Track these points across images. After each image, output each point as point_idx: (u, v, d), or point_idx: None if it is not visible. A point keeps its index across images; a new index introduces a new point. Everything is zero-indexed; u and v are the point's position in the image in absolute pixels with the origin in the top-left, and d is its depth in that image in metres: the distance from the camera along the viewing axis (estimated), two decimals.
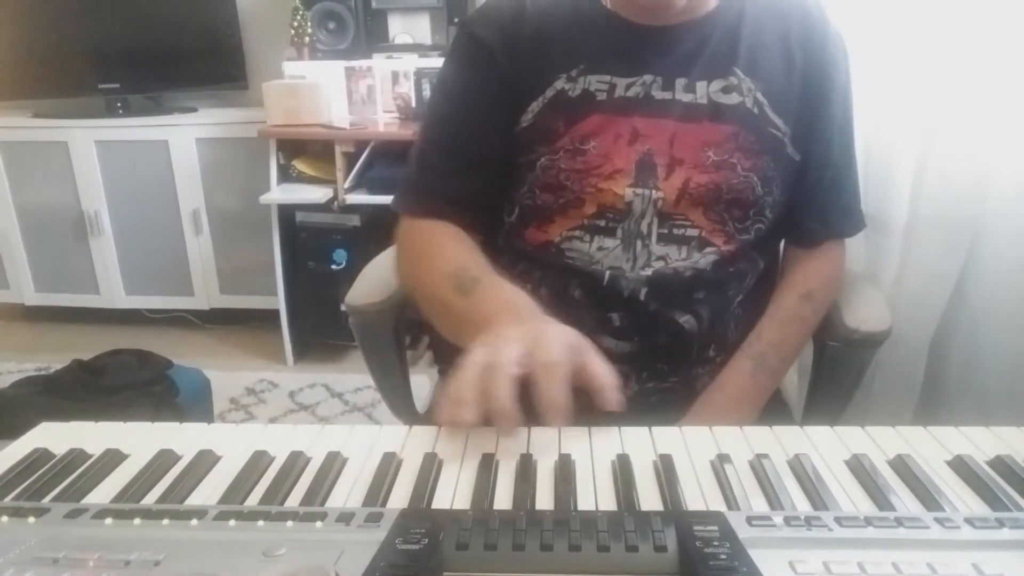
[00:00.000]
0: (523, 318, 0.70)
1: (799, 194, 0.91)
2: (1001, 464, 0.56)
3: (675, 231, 0.85)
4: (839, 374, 0.98)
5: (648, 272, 0.84)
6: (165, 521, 0.48)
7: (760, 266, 0.91)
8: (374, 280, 1.04)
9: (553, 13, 0.87)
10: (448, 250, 0.85)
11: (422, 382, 1.15)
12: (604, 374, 0.62)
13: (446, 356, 1.01)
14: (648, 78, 0.84)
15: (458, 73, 0.91)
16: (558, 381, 0.58)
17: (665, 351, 0.88)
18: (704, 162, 0.84)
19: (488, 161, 0.89)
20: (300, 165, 2.47)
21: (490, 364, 0.59)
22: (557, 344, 0.61)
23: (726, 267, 0.87)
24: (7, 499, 0.53)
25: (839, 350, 0.95)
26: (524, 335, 0.63)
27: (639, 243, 0.84)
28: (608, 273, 0.85)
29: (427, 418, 1.06)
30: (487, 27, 0.88)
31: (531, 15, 0.87)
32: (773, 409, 0.94)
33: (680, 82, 0.84)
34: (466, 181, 0.90)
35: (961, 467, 0.56)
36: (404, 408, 1.11)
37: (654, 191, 0.83)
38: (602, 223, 0.84)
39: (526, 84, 0.86)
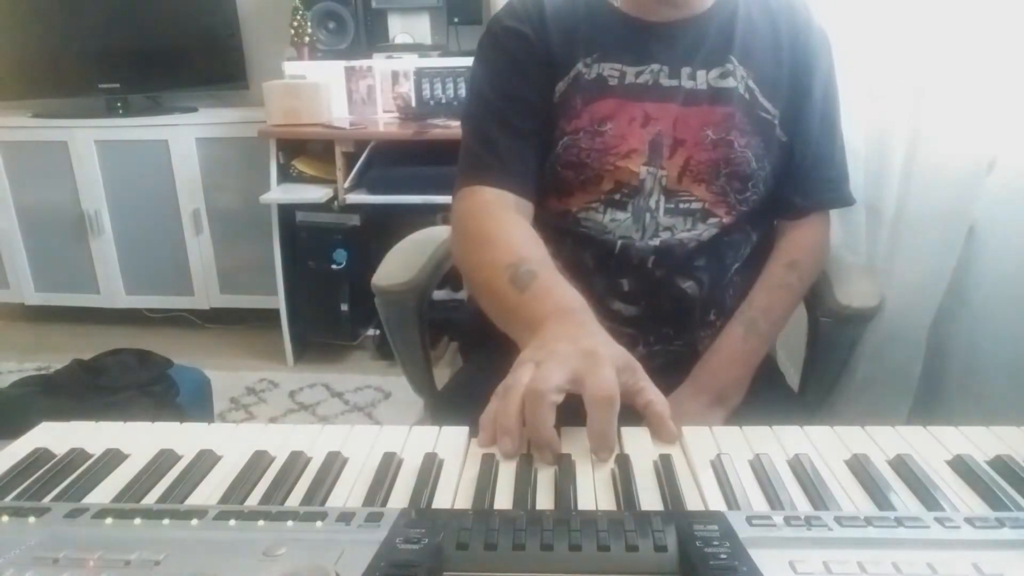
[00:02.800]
0: (573, 323, 0.70)
1: (785, 173, 0.99)
2: (1001, 464, 0.56)
3: (680, 205, 0.93)
4: (833, 347, 1.07)
5: (656, 242, 0.92)
6: (165, 521, 0.48)
7: (753, 238, 0.99)
8: (399, 262, 1.10)
9: (569, 10, 0.97)
10: (510, 239, 0.86)
11: (440, 372, 1.19)
12: (659, 403, 0.63)
13: (473, 347, 1.03)
14: (656, 67, 0.93)
15: (498, 60, 0.98)
16: (612, 418, 0.58)
17: (670, 314, 0.95)
18: (703, 141, 0.92)
19: (539, 133, 0.95)
20: (300, 165, 2.47)
21: (535, 391, 0.59)
22: (609, 372, 0.60)
23: (723, 238, 0.95)
24: (7, 499, 0.53)
25: (832, 325, 1.04)
26: (574, 356, 0.62)
27: (648, 215, 0.92)
28: (620, 243, 0.93)
29: (445, 394, 1.09)
30: (517, 19, 0.97)
31: (551, 11, 0.97)
32: (771, 380, 1.02)
33: (685, 70, 0.93)
34: (525, 152, 0.95)
35: (961, 467, 0.56)
36: (425, 385, 1.17)
37: (659, 170, 0.92)
38: (617, 197, 0.93)
39: (555, 65, 0.95)
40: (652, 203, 0.92)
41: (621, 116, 0.92)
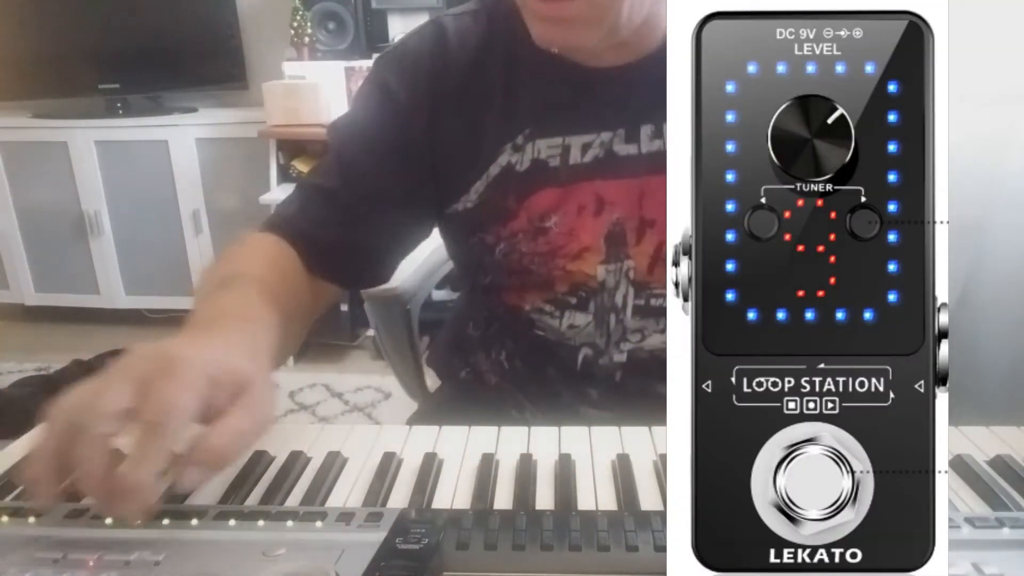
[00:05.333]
0: (203, 331, 0.54)
1: None
2: (1001, 464, 0.56)
3: (652, 302, 0.74)
4: None
5: (622, 357, 0.76)
6: (165, 521, 0.48)
7: None
8: None
9: (483, 63, 0.73)
10: (242, 258, 0.71)
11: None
12: (212, 437, 0.44)
13: (443, 359, 1.02)
14: (607, 135, 0.72)
15: (360, 120, 0.78)
16: (148, 450, 0.41)
17: (648, 413, 0.83)
18: None
19: (373, 223, 0.77)
20: (300, 165, 2.47)
21: (79, 424, 0.42)
22: (173, 387, 0.43)
23: None
24: (7, 499, 0.53)
25: None
26: (147, 364, 0.45)
27: (613, 318, 0.75)
28: (581, 356, 0.77)
29: (438, 396, 1.07)
30: (401, 79, 0.75)
31: (455, 65, 0.73)
32: None
33: (646, 129, 0.71)
34: (337, 232, 0.76)
35: (961, 467, 0.56)
36: (417, 388, 1.15)
37: (625, 260, 0.73)
38: (573, 301, 0.76)
39: (459, 157, 0.74)
40: (619, 300, 0.74)
41: (567, 206, 0.72)
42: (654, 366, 0.76)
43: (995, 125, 1.08)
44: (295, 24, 2.45)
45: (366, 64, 2.46)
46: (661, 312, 0.75)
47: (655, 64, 0.69)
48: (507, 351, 0.82)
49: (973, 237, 1.15)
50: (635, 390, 0.77)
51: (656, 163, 0.72)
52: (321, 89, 2.39)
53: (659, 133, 0.71)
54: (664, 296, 0.74)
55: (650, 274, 0.74)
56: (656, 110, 0.71)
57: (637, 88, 0.70)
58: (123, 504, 0.42)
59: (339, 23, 2.52)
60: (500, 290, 0.80)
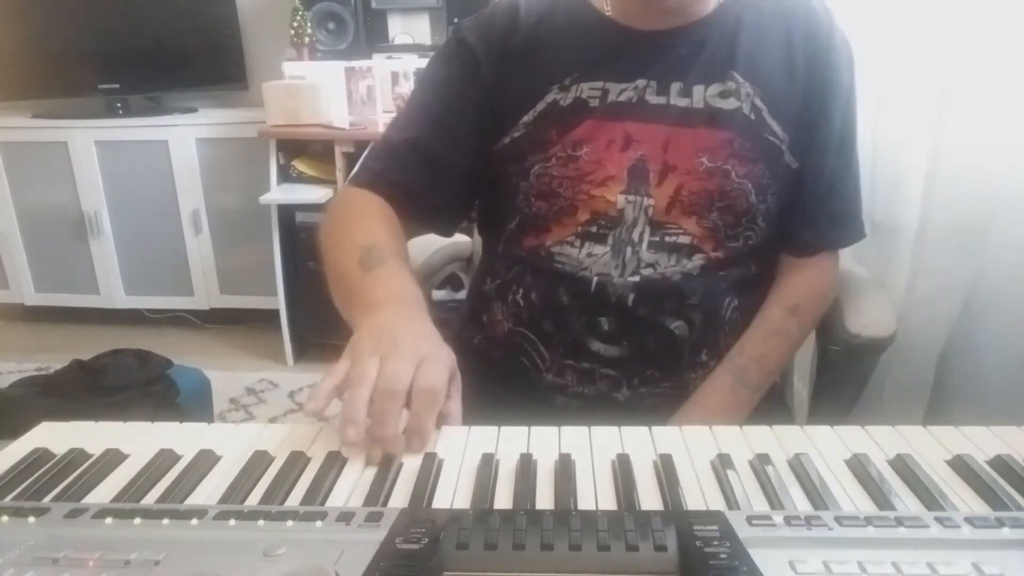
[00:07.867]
0: (408, 315, 0.72)
1: (794, 203, 0.88)
2: (1001, 464, 0.56)
3: (667, 239, 0.84)
4: (842, 379, 0.96)
5: (636, 279, 0.83)
6: (165, 521, 0.48)
7: (753, 271, 0.89)
8: None
9: (546, 22, 0.87)
10: (369, 224, 0.85)
11: None
12: (455, 415, 0.66)
13: (455, 334, 1.03)
14: (641, 83, 0.83)
15: (441, 74, 0.91)
16: (433, 411, 0.61)
17: (655, 356, 0.86)
18: (697, 168, 0.82)
19: (455, 166, 0.90)
20: (300, 165, 2.47)
21: (389, 392, 0.60)
22: (442, 371, 0.64)
23: (716, 271, 0.86)
24: (7, 499, 0.53)
25: (841, 354, 0.93)
26: (417, 355, 0.64)
27: (628, 250, 0.84)
28: (596, 279, 0.84)
29: None
30: (477, 35, 0.88)
31: (524, 25, 0.87)
32: (775, 413, 0.92)
33: (675, 86, 0.83)
34: (426, 177, 0.90)
35: (961, 467, 0.56)
36: None
37: (645, 198, 0.83)
38: (593, 229, 0.84)
39: (515, 98, 0.86)
40: (635, 236, 0.83)
41: (598, 139, 0.83)
42: (666, 290, 0.84)
43: (1004, 129, 1.07)
44: (295, 24, 2.45)
45: (366, 64, 2.46)
46: (675, 248, 0.84)
47: (690, 31, 0.84)
48: (524, 288, 0.89)
49: (980, 240, 1.14)
50: (644, 319, 0.85)
51: (683, 116, 0.83)
52: (321, 89, 2.39)
53: (687, 92, 0.83)
54: (678, 234, 0.84)
55: (667, 214, 0.83)
56: (686, 71, 0.84)
57: (669, 50, 0.84)
58: (413, 442, 0.60)
59: (339, 23, 2.51)
60: (525, 233, 0.88)
